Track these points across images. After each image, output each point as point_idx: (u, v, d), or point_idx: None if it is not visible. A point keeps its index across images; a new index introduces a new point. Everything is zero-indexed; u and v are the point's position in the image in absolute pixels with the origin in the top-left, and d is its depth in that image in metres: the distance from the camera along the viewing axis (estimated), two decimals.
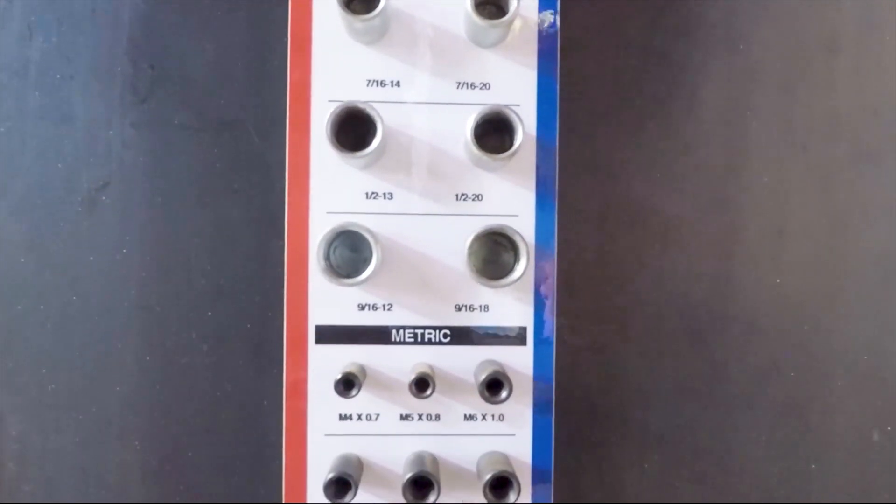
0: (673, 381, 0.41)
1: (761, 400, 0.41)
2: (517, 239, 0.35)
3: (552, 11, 0.37)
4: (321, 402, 0.37)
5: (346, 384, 0.35)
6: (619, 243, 0.41)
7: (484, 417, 0.38)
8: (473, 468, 0.37)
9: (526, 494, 0.37)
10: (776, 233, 0.41)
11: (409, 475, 0.34)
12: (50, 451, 0.40)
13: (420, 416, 0.38)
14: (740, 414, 0.41)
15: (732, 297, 0.41)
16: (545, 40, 0.37)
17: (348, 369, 0.35)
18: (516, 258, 0.35)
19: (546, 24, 0.37)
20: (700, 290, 0.41)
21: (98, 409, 0.40)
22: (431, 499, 0.34)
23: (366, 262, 0.35)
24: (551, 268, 0.38)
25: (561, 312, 0.39)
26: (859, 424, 0.42)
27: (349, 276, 0.35)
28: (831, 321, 0.42)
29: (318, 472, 0.37)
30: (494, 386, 0.35)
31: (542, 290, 0.38)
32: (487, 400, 0.35)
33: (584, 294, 0.41)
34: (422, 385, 0.35)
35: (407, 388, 0.35)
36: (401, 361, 0.37)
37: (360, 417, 0.37)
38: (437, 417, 0.38)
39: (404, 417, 0.38)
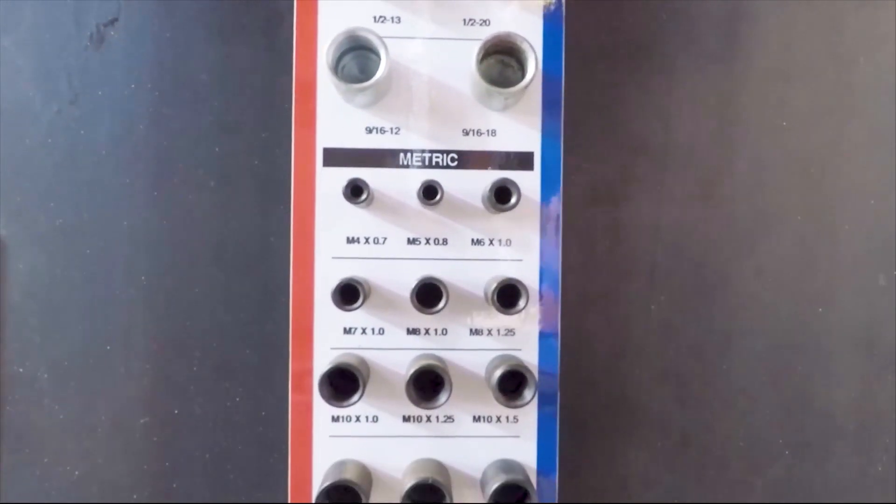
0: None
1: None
2: (524, 47, 0.35)
3: None
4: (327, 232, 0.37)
5: (355, 190, 0.35)
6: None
7: (492, 242, 0.38)
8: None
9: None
10: (782, 79, 0.42)
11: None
12: (57, 285, 0.40)
13: (427, 240, 0.38)
14: None
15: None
16: None
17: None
18: (523, 73, 0.35)
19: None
20: None
21: (105, 243, 0.40)
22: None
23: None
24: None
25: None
26: (863, 268, 0.42)
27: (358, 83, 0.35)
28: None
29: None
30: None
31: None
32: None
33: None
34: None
35: (412, 210, 0.36)
36: (408, 184, 0.37)
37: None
38: (445, 241, 0.38)
39: (411, 241, 0.37)
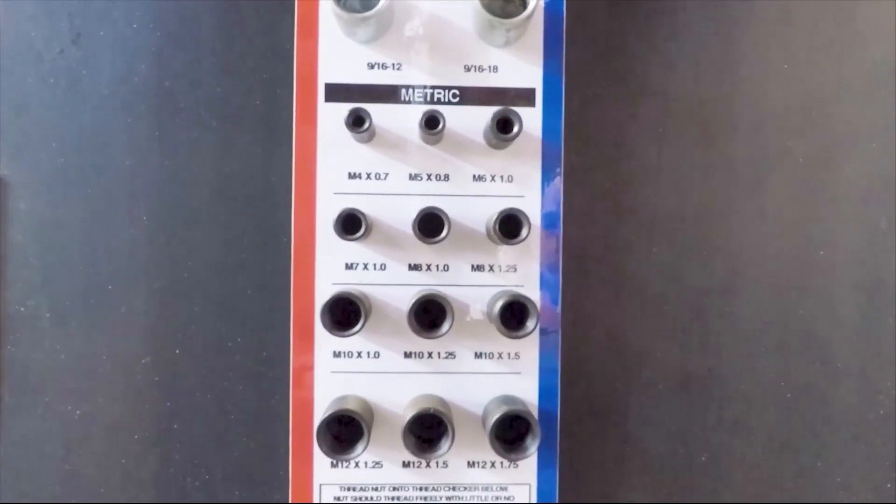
0: None
1: None
2: None
3: None
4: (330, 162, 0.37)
5: (357, 121, 0.35)
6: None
7: (493, 178, 0.38)
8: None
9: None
10: (784, 21, 0.42)
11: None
12: (58, 225, 0.40)
13: (429, 177, 0.38)
14: None
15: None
16: None
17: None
18: (525, 7, 0.35)
19: None
20: None
21: (107, 183, 0.40)
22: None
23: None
24: None
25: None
26: (865, 210, 0.42)
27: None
28: None
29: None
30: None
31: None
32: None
33: None
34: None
35: (414, 146, 0.36)
36: (409, 120, 0.37)
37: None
38: (447, 177, 0.38)
39: (413, 177, 0.37)
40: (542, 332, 0.37)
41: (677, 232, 0.41)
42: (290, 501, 0.37)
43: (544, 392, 0.38)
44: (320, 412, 0.37)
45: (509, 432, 0.36)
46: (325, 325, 0.34)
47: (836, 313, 0.42)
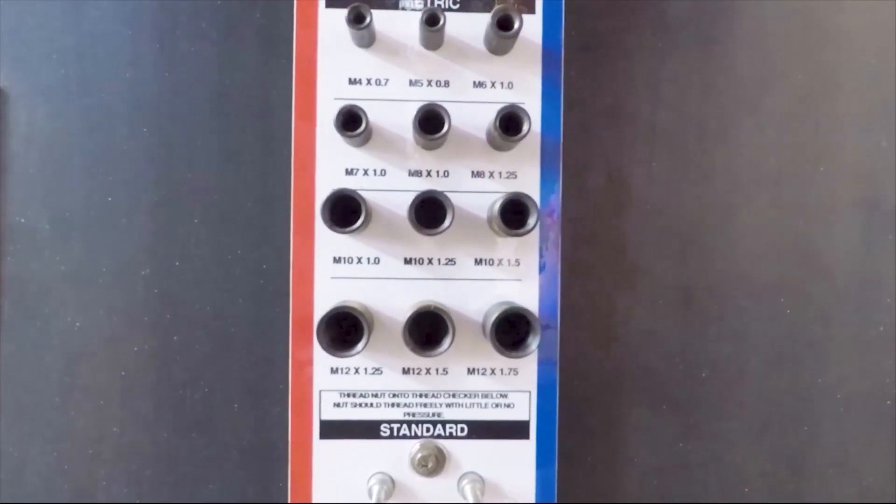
0: None
1: None
2: None
3: None
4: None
5: (358, 17, 0.35)
6: None
7: (493, 85, 0.38)
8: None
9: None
10: None
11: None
12: (59, 136, 0.40)
13: (430, 83, 0.38)
14: None
15: None
16: None
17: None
18: None
19: None
20: None
21: (107, 95, 0.40)
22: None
23: None
24: None
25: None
26: (864, 127, 0.42)
27: None
28: None
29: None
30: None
31: None
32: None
33: None
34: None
35: (414, 52, 0.36)
36: (409, 27, 0.37)
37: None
38: (447, 84, 0.38)
39: (413, 83, 0.37)
40: (543, 237, 0.37)
41: (677, 147, 0.41)
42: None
43: (545, 299, 0.38)
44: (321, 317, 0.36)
45: (510, 337, 0.36)
46: (324, 221, 0.34)
47: (836, 230, 0.42)
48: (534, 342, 0.35)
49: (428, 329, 0.36)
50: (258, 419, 0.40)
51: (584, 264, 0.41)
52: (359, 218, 0.35)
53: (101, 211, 0.40)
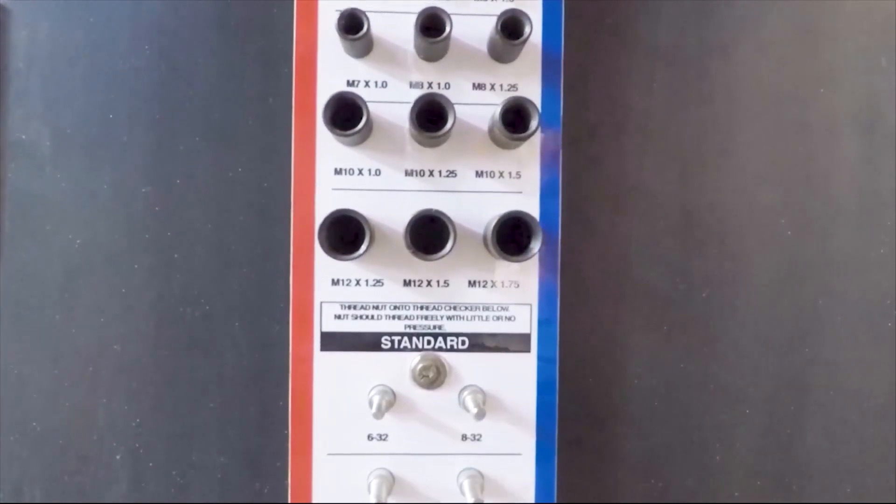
0: None
1: None
2: None
3: None
4: None
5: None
6: None
7: None
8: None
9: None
10: None
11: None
12: (60, 53, 0.40)
13: None
14: None
15: None
16: None
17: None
18: None
19: None
20: None
21: (109, 11, 0.40)
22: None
23: None
24: None
25: None
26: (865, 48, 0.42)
27: None
28: None
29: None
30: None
31: None
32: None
33: None
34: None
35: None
36: None
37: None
38: None
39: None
40: (544, 152, 0.37)
41: (678, 69, 0.41)
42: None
43: (546, 212, 0.38)
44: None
45: (511, 248, 0.36)
46: (325, 123, 0.34)
47: (837, 151, 0.42)
48: (536, 245, 0.35)
49: (428, 241, 0.36)
50: (259, 337, 0.40)
51: (586, 186, 0.41)
52: (360, 121, 0.35)
53: (102, 128, 0.40)
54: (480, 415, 0.35)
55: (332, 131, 0.34)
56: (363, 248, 0.34)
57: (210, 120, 0.40)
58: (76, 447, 0.40)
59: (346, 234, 0.36)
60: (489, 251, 0.37)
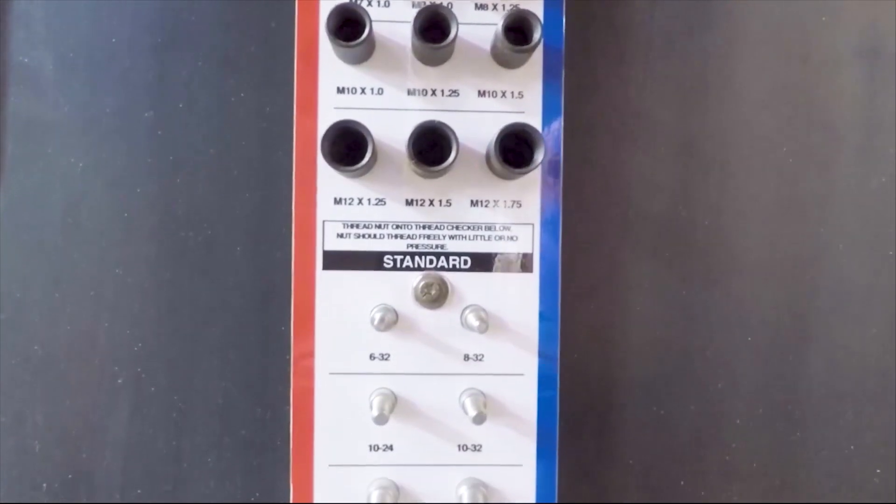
0: None
1: None
2: None
3: None
4: None
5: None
6: None
7: None
8: None
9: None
10: None
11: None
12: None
13: None
14: None
15: None
16: None
17: None
18: None
19: None
20: None
21: None
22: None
23: None
24: None
25: None
26: None
27: None
28: None
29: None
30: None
31: None
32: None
33: None
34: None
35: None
36: None
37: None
38: None
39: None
40: (547, 67, 0.37)
41: (680, 10, 0.41)
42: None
43: (548, 131, 0.38)
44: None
45: (513, 163, 0.36)
46: (328, 32, 0.34)
47: (838, 81, 0.42)
48: (539, 156, 0.35)
49: (431, 159, 0.36)
50: (261, 261, 0.40)
51: (587, 116, 0.41)
52: (362, 33, 0.35)
53: (104, 52, 0.40)
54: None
55: (334, 42, 0.34)
56: (366, 157, 0.34)
57: (213, 45, 0.40)
58: (77, 371, 0.40)
59: (349, 152, 0.36)
60: (492, 168, 0.37)
